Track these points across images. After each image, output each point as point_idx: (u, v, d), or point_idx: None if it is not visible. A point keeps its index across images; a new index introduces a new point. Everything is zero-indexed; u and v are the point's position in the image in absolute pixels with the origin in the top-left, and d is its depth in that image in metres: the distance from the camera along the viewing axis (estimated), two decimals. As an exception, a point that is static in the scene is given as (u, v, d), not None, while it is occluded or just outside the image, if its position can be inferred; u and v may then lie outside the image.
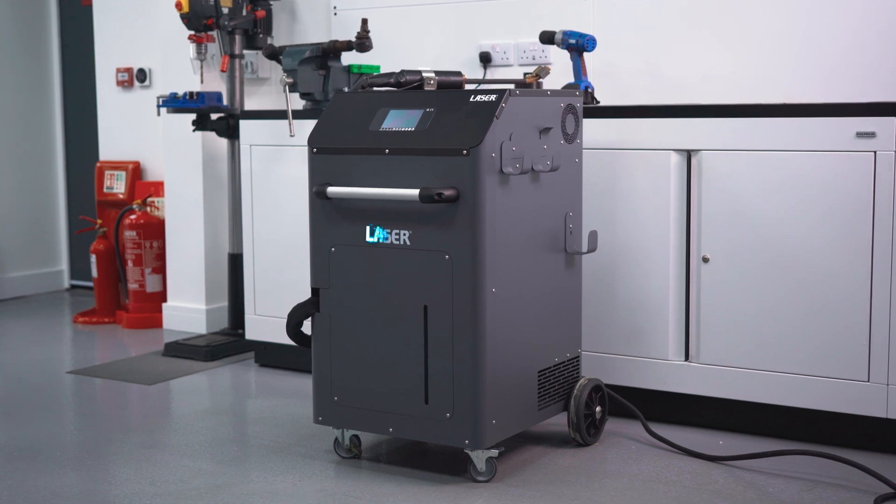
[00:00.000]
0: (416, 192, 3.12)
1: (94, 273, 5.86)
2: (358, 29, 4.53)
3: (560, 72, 4.38)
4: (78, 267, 6.88)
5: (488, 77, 4.77)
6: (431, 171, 3.15)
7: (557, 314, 3.48)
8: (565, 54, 4.24)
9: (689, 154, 3.68)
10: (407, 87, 3.53)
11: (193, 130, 5.00)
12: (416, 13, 4.96)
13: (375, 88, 3.52)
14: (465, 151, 3.09)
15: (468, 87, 3.65)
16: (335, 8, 5.14)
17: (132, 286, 5.68)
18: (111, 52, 6.02)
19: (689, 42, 4.34)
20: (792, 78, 4.14)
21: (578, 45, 4.11)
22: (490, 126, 3.10)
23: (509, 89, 3.19)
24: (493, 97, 3.17)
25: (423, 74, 3.56)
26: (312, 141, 3.38)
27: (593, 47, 4.11)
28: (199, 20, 4.84)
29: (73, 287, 6.98)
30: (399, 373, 3.25)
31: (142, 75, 5.91)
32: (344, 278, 3.33)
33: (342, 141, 3.34)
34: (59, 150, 6.84)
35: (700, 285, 3.67)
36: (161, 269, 5.67)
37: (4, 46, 6.54)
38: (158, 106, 4.98)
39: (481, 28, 4.80)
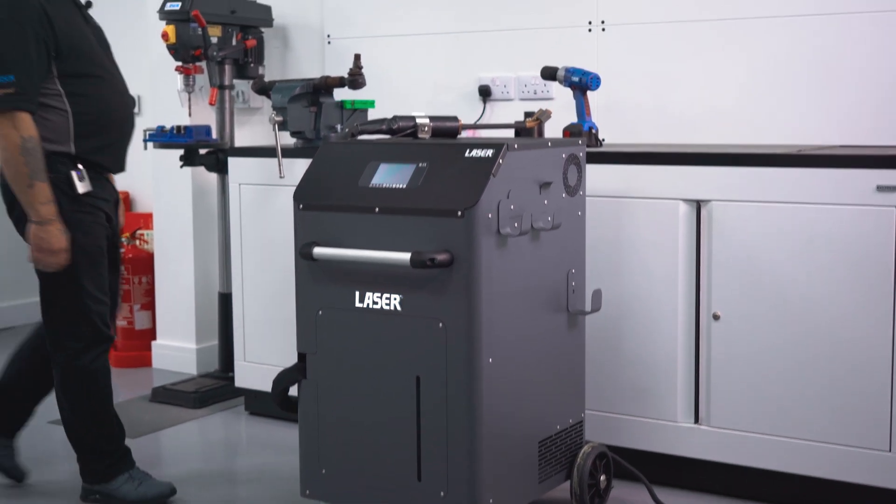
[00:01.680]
0: (407, 256, 2.92)
1: (82, 307, 5.66)
2: (352, 61, 4.32)
3: (562, 107, 4.16)
4: (69, 295, 6.68)
5: (487, 112, 4.56)
6: (424, 233, 2.95)
7: (559, 379, 3.28)
8: (568, 89, 4.03)
9: (698, 204, 3.47)
10: (400, 133, 3.34)
11: (181, 167, 4.80)
12: (413, 43, 4.75)
13: (366, 136, 3.33)
14: (459, 213, 2.89)
15: (465, 133, 3.46)
16: (329, 36, 4.94)
17: (120, 323, 5.48)
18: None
19: (697, 77, 4.13)
20: (803, 116, 3.92)
21: (581, 84, 3.91)
22: (486, 185, 2.90)
23: (507, 143, 2.98)
24: (489, 153, 2.97)
25: (417, 120, 3.37)
26: (298, 196, 3.18)
27: (597, 86, 3.91)
28: (186, 51, 4.64)
29: (63, 316, 6.77)
30: (390, 446, 3.05)
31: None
32: (332, 344, 3.13)
33: (330, 197, 3.13)
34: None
35: (710, 344, 3.47)
36: (150, 306, 5.48)
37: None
38: (144, 140, 4.79)
39: (481, 60, 4.60)
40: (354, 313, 3.08)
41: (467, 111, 4.59)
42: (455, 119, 3.45)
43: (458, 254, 2.89)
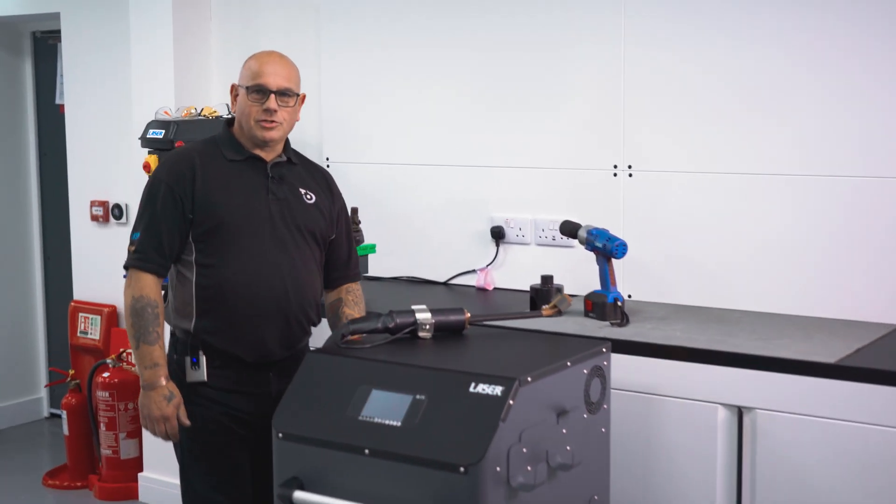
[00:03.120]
0: (401, 518, 2.49)
1: (65, 430, 5.26)
2: (354, 199, 3.90)
3: (584, 260, 3.72)
4: (58, 393, 6.29)
5: (500, 255, 4.12)
6: (421, 486, 2.52)
7: None
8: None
9: (740, 411, 3.03)
10: (398, 332, 2.92)
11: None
12: (419, 174, 4.32)
13: (353, 335, 2.92)
14: (462, 469, 2.46)
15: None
16: (328, 159, 4.51)
17: (105, 451, 5.08)
18: (84, 181, 5.42)
19: (729, 232, 3.63)
20: (848, 286, 3.44)
21: (605, 251, 3.47)
22: (494, 434, 2.46)
23: (518, 378, 2.54)
24: (498, 391, 2.53)
25: (417, 316, 2.96)
26: (279, 423, 2.75)
27: (622, 255, 3.46)
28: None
29: (52, 416, 6.40)
30: None
31: (118, 211, 5.30)
32: None
33: (314, 427, 2.70)
34: (38, 271, 6.27)
35: (753, 570, 3.03)
36: (137, 433, 5.07)
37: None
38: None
39: (494, 198, 4.15)
40: (341, 564, 2.65)
41: (478, 253, 4.16)
42: (460, 311, 3.03)
43: (460, 514, 2.47)
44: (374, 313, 2.99)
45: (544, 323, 3.35)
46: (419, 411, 2.59)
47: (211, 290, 3.01)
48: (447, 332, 3.01)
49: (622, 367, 3.12)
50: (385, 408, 2.64)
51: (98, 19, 5.26)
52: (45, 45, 6.04)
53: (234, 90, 3.17)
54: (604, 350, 2.90)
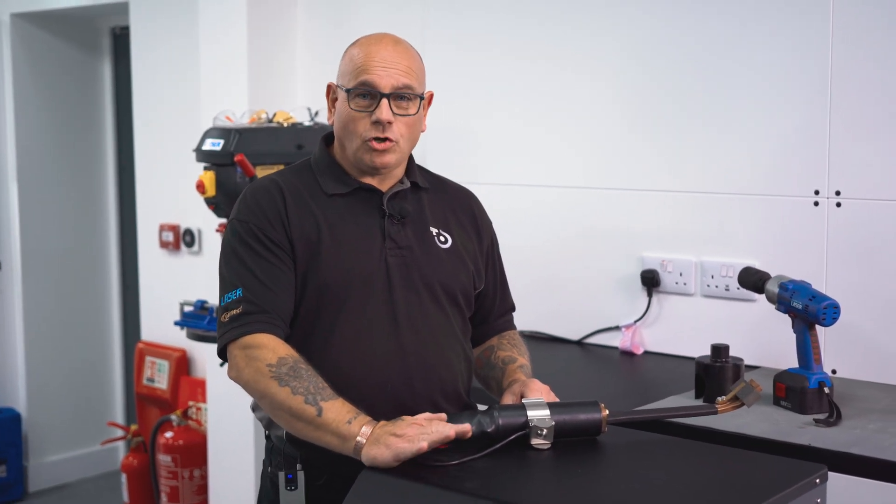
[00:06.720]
0: None
1: (125, 496, 4.46)
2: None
3: (769, 322, 2.71)
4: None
5: (654, 309, 3.11)
6: None
7: None
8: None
9: None
10: (502, 438, 1.97)
11: (221, 364, 3.48)
12: (548, 199, 3.34)
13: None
14: None
15: (610, 425, 2.04)
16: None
17: (166, 527, 4.25)
18: (153, 201, 4.62)
19: None
20: None
21: (808, 315, 2.43)
22: None
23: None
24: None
25: (530, 415, 2.01)
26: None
27: (832, 321, 2.41)
28: (231, 205, 3.33)
29: (128, 468, 5.64)
30: None
31: (189, 238, 4.47)
32: None
33: None
34: (115, 302, 5.52)
35: None
36: (204, 506, 4.24)
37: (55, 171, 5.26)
38: (176, 322, 3.52)
39: (646, 232, 3.14)
40: None
41: (623, 305, 3.17)
42: (594, 407, 2.04)
43: None
44: (467, 413, 2.02)
45: (718, 417, 2.32)
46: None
47: None
48: (575, 437, 2.03)
49: (835, 492, 2.09)
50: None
51: (169, 7, 4.45)
52: (126, 42, 5.27)
53: (330, 91, 2.23)
54: (818, 481, 1.88)
